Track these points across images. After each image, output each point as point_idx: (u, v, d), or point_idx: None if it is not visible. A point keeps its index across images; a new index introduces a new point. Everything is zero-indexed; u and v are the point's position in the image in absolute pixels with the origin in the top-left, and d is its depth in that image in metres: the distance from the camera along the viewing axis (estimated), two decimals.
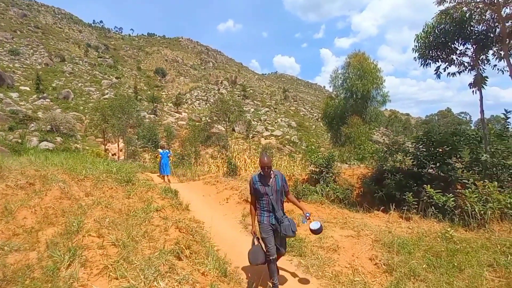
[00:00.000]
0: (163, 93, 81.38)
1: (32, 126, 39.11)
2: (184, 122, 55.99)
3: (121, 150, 31.79)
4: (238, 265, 3.75)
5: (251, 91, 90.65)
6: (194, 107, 72.98)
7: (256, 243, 3.28)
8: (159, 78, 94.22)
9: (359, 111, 22.52)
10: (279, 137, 57.26)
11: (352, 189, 7.35)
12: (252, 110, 73.48)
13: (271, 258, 3.11)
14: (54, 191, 4.35)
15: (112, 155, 33.28)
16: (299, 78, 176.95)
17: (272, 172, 3.24)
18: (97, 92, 63.79)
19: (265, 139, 54.41)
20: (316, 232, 3.20)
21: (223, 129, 36.70)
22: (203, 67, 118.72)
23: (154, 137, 28.75)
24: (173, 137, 34.31)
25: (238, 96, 78.00)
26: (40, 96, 52.75)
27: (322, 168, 7.63)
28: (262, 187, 3.19)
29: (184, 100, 75.08)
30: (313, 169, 7.96)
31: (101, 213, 4.06)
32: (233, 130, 52.18)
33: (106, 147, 35.91)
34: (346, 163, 10.71)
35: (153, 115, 56.65)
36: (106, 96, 57.62)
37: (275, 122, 67.31)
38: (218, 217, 6.38)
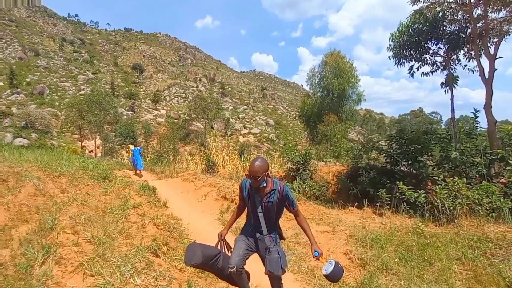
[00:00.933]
0: (141, 90, 78.27)
1: (6, 122, 37.02)
2: (162, 119, 54.28)
3: (98, 147, 30.40)
4: None
5: (229, 88, 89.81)
6: (172, 104, 70.95)
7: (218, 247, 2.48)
8: (136, 74, 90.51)
9: (335, 109, 22.82)
10: (257, 135, 57.27)
11: (328, 186, 7.34)
12: (231, 107, 72.84)
13: (229, 269, 2.27)
14: (28, 187, 4.21)
15: (89, 152, 32.07)
16: (277, 77, 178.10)
17: (269, 183, 2.33)
18: (73, 88, 60.01)
19: (243, 136, 54.15)
20: (331, 278, 2.24)
21: (202, 126, 35.97)
22: (181, 64, 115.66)
23: (132, 134, 27.58)
24: (151, 134, 33.18)
25: (217, 94, 76.94)
26: (14, 91, 49.34)
27: (299, 165, 7.56)
28: (251, 198, 2.37)
29: (163, 97, 72.78)
30: (290, 166, 7.87)
31: (76, 210, 3.93)
32: (212, 127, 51.39)
33: (83, 144, 34.40)
34: (323, 161, 10.75)
35: (131, 112, 54.37)
36: (82, 92, 54.41)
37: (253, 120, 67.21)
38: (196, 213, 6.24)
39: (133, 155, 11.35)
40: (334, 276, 2.19)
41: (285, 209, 2.45)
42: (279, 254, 2.29)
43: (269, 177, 2.36)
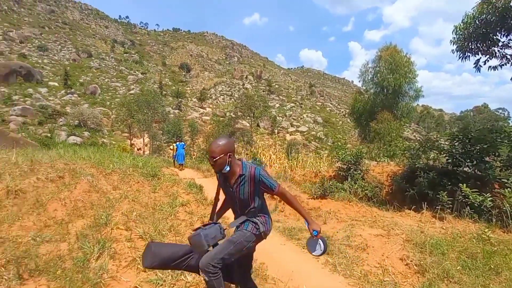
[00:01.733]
0: (188, 88, 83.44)
1: (61, 121, 41.86)
2: (208, 118, 57.17)
3: (146, 145, 33.14)
4: (263, 261, 3.83)
5: (276, 86, 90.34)
6: (218, 102, 74.19)
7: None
8: (183, 73, 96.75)
9: (390, 106, 22.05)
10: (305, 133, 56.77)
11: (382, 187, 7.26)
12: (277, 105, 73.30)
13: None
14: (83, 184, 4.68)
15: (137, 149, 34.70)
16: (326, 73, 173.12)
17: (236, 168, 2.05)
18: (123, 88, 66.78)
19: (290, 135, 54.21)
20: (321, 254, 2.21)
21: (248, 124, 37.06)
22: (227, 62, 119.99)
23: (179, 132, 29.75)
24: (197, 132, 35.23)
25: (263, 91, 78.14)
26: (68, 91, 55.94)
27: (350, 165, 7.61)
28: (224, 186, 2.14)
29: (209, 95, 76.53)
30: (341, 165, 7.95)
31: (128, 206, 4.29)
32: (258, 125, 52.52)
33: (132, 141, 37.39)
34: (375, 160, 10.51)
35: (178, 110, 58.44)
36: (132, 92, 60.11)
37: (301, 118, 66.69)
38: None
39: (177, 150, 12.95)
40: (324, 251, 2.19)
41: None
42: (214, 233, 2.01)
43: (239, 160, 2.11)
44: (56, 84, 58.28)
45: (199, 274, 2.02)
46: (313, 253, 2.20)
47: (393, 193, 7.00)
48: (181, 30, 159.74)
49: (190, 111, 62.04)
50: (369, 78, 24.34)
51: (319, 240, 2.14)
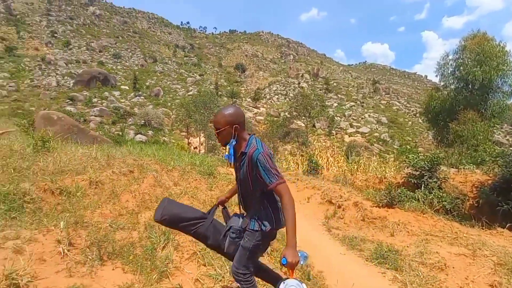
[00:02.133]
0: (242, 88, 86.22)
1: (130, 121, 47.36)
2: (262, 117, 58.17)
3: (201, 144, 35.22)
4: (321, 270, 3.73)
5: (334, 84, 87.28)
6: (272, 102, 74.91)
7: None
8: (238, 73, 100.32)
9: (476, 104, 19.17)
10: (366, 134, 53.49)
11: (464, 199, 6.41)
12: (336, 104, 70.73)
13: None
14: (149, 179, 5.23)
15: (194, 148, 36.55)
16: (393, 68, 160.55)
17: (242, 143, 1.87)
18: (183, 89, 72.29)
19: (349, 136, 51.72)
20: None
21: (303, 125, 36.58)
22: (283, 61, 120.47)
23: None
24: (250, 132, 36.01)
25: (320, 90, 76.18)
26: (136, 94, 63.24)
27: (423, 172, 6.88)
28: (235, 162, 1.95)
29: (263, 95, 77.84)
30: (412, 172, 7.26)
31: (188, 202, 4.60)
32: (314, 126, 51.39)
33: (189, 140, 39.85)
34: (455, 167, 9.32)
35: None
36: (190, 93, 64.71)
37: (362, 118, 63.08)
38: (299, 216, 6.45)
39: (229, 149, 13.67)
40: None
41: None
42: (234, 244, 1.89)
43: (248, 135, 1.90)
44: (127, 87, 66.38)
45: (206, 245, 2.13)
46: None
47: (480, 207, 6.12)
48: (237, 31, 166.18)
49: (244, 111, 63.70)
50: (449, 72, 21.54)
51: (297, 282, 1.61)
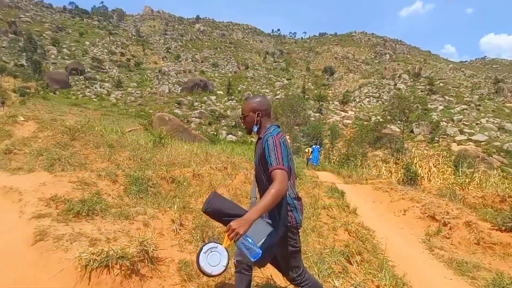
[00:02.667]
0: (330, 92, 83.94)
1: (223, 122, 53.18)
2: (349, 121, 55.31)
3: None
4: None
5: (441, 84, 75.59)
6: (362, 105, 70.23)
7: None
8: (326, 76, 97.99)
9: None
10: (483, 143, 44.34)
11: None
12: (441, 107, 61.23)
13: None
14: (240, 176, 5.62)
15: None
16: None
17: (262, 129, 1.86)
18: (271, 93, 75.44)
19: (458, 144, 43.85)
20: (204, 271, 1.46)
21: (398, 130, 33.00)
22: (377, 61, 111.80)
23: (319, 135, 30.30)
24: (337, 136, 34.73)
25: (422, 91, 67.22)
26: (229, 98, 70.14)
27: None
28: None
29: (352, 97, 73.91)
30: None
31: None
32: (412, 131, 45.79)
33: None
34: None
35: (319, 114, 59.68)
36: (278, 96, 67.08)
37: (477, 124, 52.63)
38: (393, 229, 5.91)
39: (312, 153, 14.46)
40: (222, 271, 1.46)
41: None
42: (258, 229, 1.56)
43: (271, 123, 1.87)
44: (221, 92, 74.01)
45: None
46: (202, 266, 1.43)
47: None
48: (327, 34, 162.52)
49: (331, 114, 61.94)
50: None
51: (222, 249, 1.46)
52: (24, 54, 67.88)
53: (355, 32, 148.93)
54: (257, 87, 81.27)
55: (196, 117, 52.90)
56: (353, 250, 3.48)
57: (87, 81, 68.96)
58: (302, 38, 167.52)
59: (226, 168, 5.99)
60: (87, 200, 2.67)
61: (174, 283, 2.13)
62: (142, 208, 2.98)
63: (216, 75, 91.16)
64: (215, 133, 39.20)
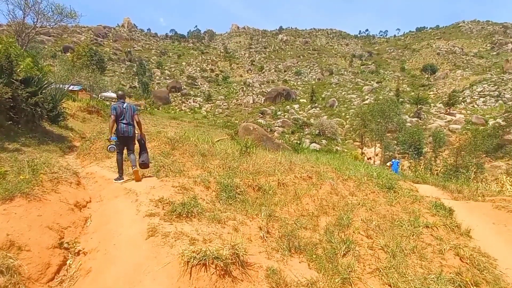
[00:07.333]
0: (431, 93, 73.80)
1: (306, 130, 52.33)
2: (458, 126, 47.15)
3: (376, 155, 33.05)
4: None
5: None
6: (475, 106, 59.12)
7: None
8: (426, 76, 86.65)
9: None
10: None
11: None
12: None
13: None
14: (325, 186, 5.43)
15: (368, 159, 35.28)
16: None
17: None
18: (358, 99, 71.04)
19: None
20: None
21: None
22: (494, 53, 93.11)
23: (418, 143, 26.83)
24: (442, 144, 30.06)
25: None
26: (312, 106, 69.22)
27: None
28: None
29: (461, 98, 63.04)
30: None
31: (366, 214, 4.47)
32: None
33: (363, 150, 38.92)
34: None
35: (416, 119, 53.01)
36: (366, 102, 63.14)
37: None
38: None
39: (391, 166, 13.89)
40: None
41: None
42: None
43: None
44: (304, 100, 73.88)
45: None
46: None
47: None
48: (427, 28, 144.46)
49: (432, 118, 54.07)
50: None
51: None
52: (137, 77, 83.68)
53: (463, 22, 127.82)
54: (343, 93, 77.83)
55: (279, 126, 54.05)
56: (467, 279, 3.07)
57: (183, 97, 79.43)
58: (395, 36, 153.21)
59: (311, 178, 5.89)
60: (186, 204, 3.06)
61: None
62: (232, 214, 3.21)
63: (299, 83, 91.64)
64: (298, 141, 39.29)
